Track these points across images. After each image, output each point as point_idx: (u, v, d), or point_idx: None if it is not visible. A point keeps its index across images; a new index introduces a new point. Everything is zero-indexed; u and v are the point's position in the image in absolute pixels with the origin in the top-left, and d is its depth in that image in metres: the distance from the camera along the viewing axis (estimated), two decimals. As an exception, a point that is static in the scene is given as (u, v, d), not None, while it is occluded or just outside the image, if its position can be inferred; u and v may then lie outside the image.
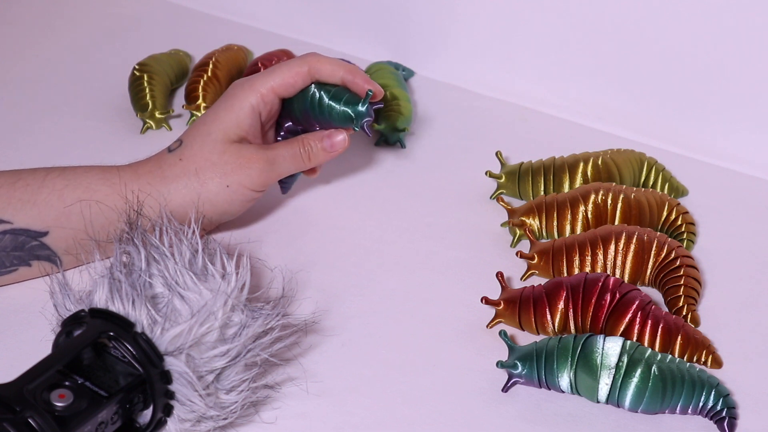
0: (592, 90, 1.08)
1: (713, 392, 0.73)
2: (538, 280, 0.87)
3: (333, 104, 0.86)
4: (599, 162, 0.94)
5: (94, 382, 0.65)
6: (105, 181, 0.81)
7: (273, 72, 0.86)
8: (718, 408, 0.73)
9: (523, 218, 0.91)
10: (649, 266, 0.85)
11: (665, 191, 0.96)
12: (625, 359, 0.73)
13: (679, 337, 0.78)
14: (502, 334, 0.77)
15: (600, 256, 0.85)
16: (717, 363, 0.79)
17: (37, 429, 0.61)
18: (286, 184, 0.92)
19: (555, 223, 0.90)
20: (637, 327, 0.78)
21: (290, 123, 0.90)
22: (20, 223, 0.80)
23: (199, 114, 1.06)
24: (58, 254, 0.81)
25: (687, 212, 0.91)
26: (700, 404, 0.73)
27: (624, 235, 0.85)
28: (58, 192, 0.80)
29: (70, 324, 0.68)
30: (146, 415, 0.68)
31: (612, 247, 0.85)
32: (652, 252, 0.85)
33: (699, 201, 0.97)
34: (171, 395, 0.67)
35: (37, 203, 0.80)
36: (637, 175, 0.95)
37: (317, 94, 0.86)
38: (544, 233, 0.91)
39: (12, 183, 0.80)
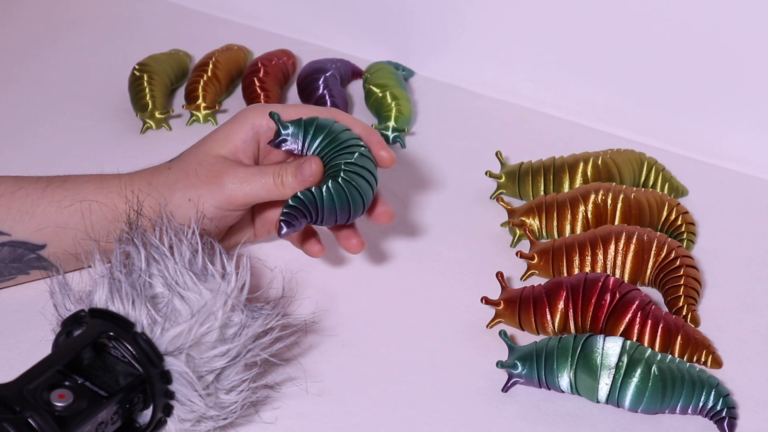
0: (592, 90, 1.08)
1: (713, 392, 0.73)
2: (538, 280, 0.87)
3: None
4: (599, 162, 0.93)
5: (94, 382, 0.65)
6: (101, 189, 0.81)
7: (293, 107, 0.82)
8: (718, 408, 0.73)
9: (523, 218, 0.91)
10: (649, 266, 0.85)
11: (665, 191, 0.96)
12: (625, 359, 0.73)
13: (679, 337, 0.78)
14: (502, 334, 0.77)
15: (600, 256, 0.85)
16: (717, 363, 0.79)
17: (37, 429, 0.61)
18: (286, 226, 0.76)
19: (555, 223, 0.90)
20: (637, 327, 0.78)
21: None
22: (19, 236, 0.80)
23: (200, 114, 1.06)
24: (55, 265, 0.81)
25: (687, 212, 0.91)
26: (700, 404, 0.73)
27: (624, 235, 0.85)
28: (56, 203, 0.80)
29: (70, 324, 0.68)
30: (146, 415, 0.68)
31: (612, 247, 0.85)
32: (652, 252, 0.85)
33: (699, 201, 0.97)
34: (171, 395, 0.67)
35: (36, 215, 0.80)
36: (637, 175, 0.95)
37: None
38: (544, 233, 0.91)
39: (12, 192, 0.80)
